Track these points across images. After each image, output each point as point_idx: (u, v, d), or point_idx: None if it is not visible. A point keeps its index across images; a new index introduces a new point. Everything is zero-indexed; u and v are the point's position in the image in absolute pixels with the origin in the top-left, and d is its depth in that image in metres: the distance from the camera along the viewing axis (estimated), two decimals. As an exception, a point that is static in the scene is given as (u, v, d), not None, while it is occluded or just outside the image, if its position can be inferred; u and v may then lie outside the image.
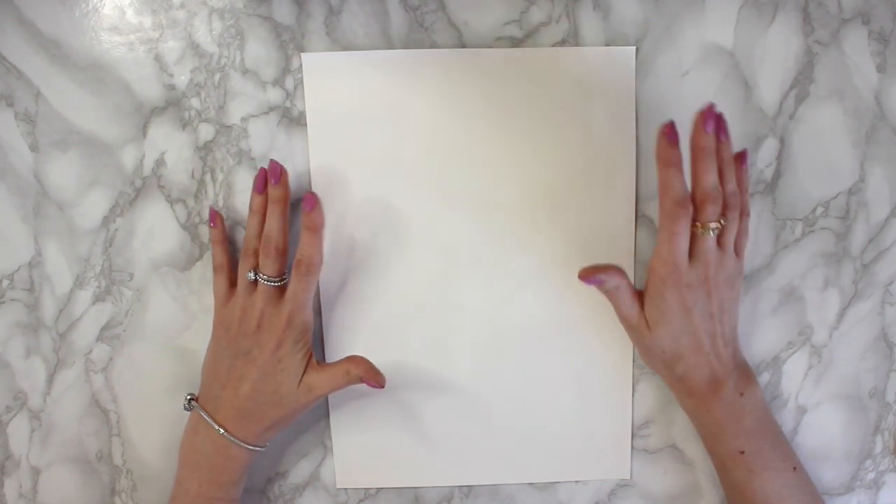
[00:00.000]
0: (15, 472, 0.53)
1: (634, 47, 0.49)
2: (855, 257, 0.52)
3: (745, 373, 0.48)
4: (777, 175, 0.51)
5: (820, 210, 0.51)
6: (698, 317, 0.46)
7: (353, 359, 0.48)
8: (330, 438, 0.52)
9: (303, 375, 0.47)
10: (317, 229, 0.47)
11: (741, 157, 0.48)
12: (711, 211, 0.44)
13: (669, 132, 0.44)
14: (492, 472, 0.53)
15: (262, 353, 0.47)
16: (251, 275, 0.47)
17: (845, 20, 0.49)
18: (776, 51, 0.50)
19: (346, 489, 0.53)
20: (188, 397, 0.49)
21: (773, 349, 0.52)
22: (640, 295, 0.47)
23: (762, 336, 0.52)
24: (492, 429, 0.52)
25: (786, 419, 0.53)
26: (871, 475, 0.54)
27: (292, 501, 0.53)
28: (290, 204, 0.48)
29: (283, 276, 0.47)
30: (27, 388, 0.52)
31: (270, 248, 0.47)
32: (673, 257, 0.45)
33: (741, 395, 0.47)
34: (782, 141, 0.50)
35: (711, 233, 0.45)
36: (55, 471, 0.53)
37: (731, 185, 0.46)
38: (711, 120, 0.44)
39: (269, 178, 0.48)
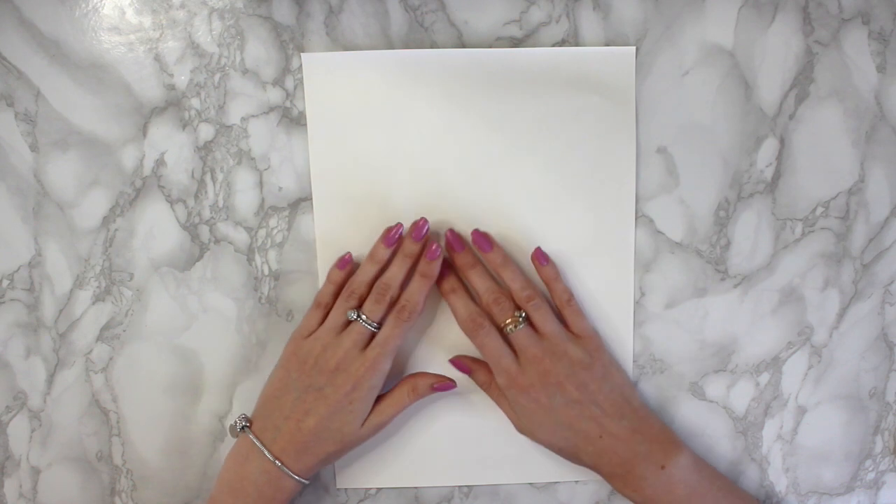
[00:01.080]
0: (15, 472, 0.53)
1: (634, 47, 0.49)
2: (855, 257, 0.52)
3: (661, 444, 0.47)
4: (777, 175, 0.51)
5: (820, 210, 0.51)
6: (563, 409, 0.47)
7: (414, 376, 0.50)
8: (330, 438, 0.52)
9: (369, 415, 0.48)
10: (431, 279, 0.48)
11: (538, 256, 0.49)
12: (498, 311, 0.48)
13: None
14: (492, 472, 0.53)
15: (336, 392, 0.46)
16: (353, 314, 0.47)
17: (845, 20, 0.49)
18: (776, 51, 0.50)
19: (345, 489, 0.53)
20: (243, 423, 0.48)
21: (773, 349, 0.52)
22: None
23: (762, 336, 0.52)
24: (492, 429, 0.52)
25: (786, 419, 0.53)
26: (871, 475, 0.54)
27: (292, 501, 0.53)
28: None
29: (381, 324, 0.48)
30: (27, 388, 0.52)
31: (387, 295, 0.47)
32: (498, 367, 0.48)
33: (662, 468, 0.46)
34: (782, 141, 0.51)
35: (515, 328, 0.47)
36: (55, 471, 0.53)
37: (516, 283, 0.48)
38: (455, 242, 0.48)
39: (414, 234, 0.48)
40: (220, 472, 0.48)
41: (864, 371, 0.53)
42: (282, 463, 0.46)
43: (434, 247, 0.48)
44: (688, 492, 0.46)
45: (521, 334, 0.47)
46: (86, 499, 0.53)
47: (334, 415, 0.46)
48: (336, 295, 0.49)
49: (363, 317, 0.47)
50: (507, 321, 0.47)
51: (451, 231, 0.49)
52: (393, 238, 0.48)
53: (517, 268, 0.49)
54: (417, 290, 0.48)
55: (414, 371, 0.51)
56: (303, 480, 0.47)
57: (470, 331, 0.48)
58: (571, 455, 0.48)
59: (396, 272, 0.48)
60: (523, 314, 0.48)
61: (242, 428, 0.48)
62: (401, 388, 0.49)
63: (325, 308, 0.49)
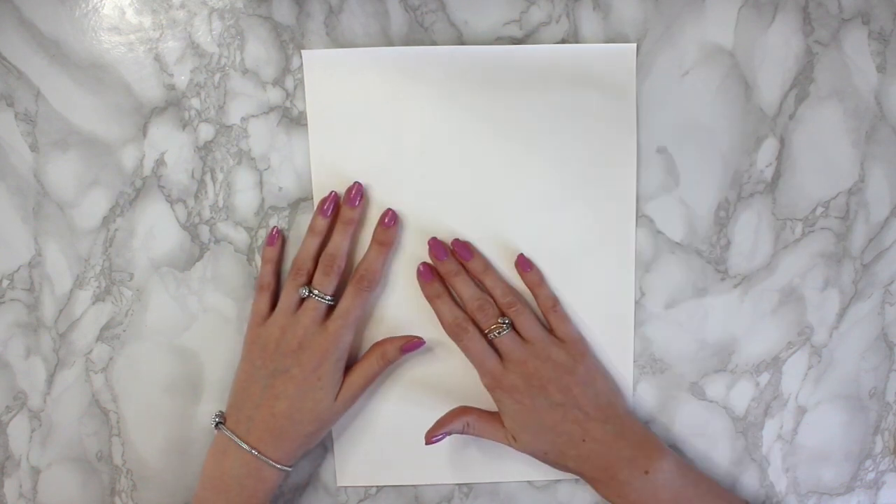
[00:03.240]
0: (15, 472, 0.53)
1: (635, 44, 0.49)
2: (855, 257, 0.52)
3: (645, 449, 0.47)
4: (777, 175, 0.51)
5: (820, 210, 0.51)
6: (546, 411, 0.47)
7: (381, 343, 0.50)
8: (330, 438, 0.52)
9: (339, 389, 0.48)
10: (388, 245, 0.49)
11: (521, 263, 0.49)
12: (482, 317, 0.48)
13: (422, 272, 0.49)
14: (492, 471, 0.53)
15: (303, 370, 0.47)
16: (304, 291, 0.47)
17: (845, 20, 0.49)
18: (776, 51, 0.50)
19: (345, 488, 0.53)
20: (216, 419, 0.48)
21: (773, 349, 0.52)
22: (496, 416, 0.49)
23: (762, 336, 0.52)
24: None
25: (786, 419, 0.53)
26: (871, 475, 0.54)
27: (292, 501, 0.53)
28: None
29: (335, 297, 0.48)
30: (27, 388, 0.52)
31: (333, 265, 0.47)
32: (483, 368, 0.48)
33: (646, 473, 0.46)
34: (782, 141, 0.51)
35: (499, 334, 0.48)
36: (55, 471, 0.53)
37: (497, 290, 0.49)
38: (438, 250, 0.49)
39: (349, 200, 0.48)
40: (202, 470, 0.48)
41: (864, 371, 0.53)
42: (259, 452, 0.46)
43: (389, 215, 0.48)
44: (672, 496, 0.46)
45: (505, 339, 0.48)
46: (86, 499, 0.53)
47: (305, 394, 0.47)
48: (276, 274, 0.49)
49: (315, 292, 0.47)
50: (492, 327, 0.48)
51: (434, 239, 0.49)
52: (328, 208, 0.48)
53: (498, 275, 0.49)
54: (374, 258, 0.48)
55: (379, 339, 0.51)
56: (284, 468, 0.47)
57: (454, 335, 0.48)
58: (556, 459, 0.48)
59: (339, 241, 0.48)
60: (507, 320, 0.48)
61: (217, 424, 0.48)
62: (369, 356, 0.49)
63: (269, 290, 0.49)
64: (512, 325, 0.48)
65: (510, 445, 0.49)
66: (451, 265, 0.49)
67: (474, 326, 0.48)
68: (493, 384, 0.48)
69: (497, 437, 0.49)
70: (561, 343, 0.49)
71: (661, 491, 0.46)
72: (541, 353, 0.48)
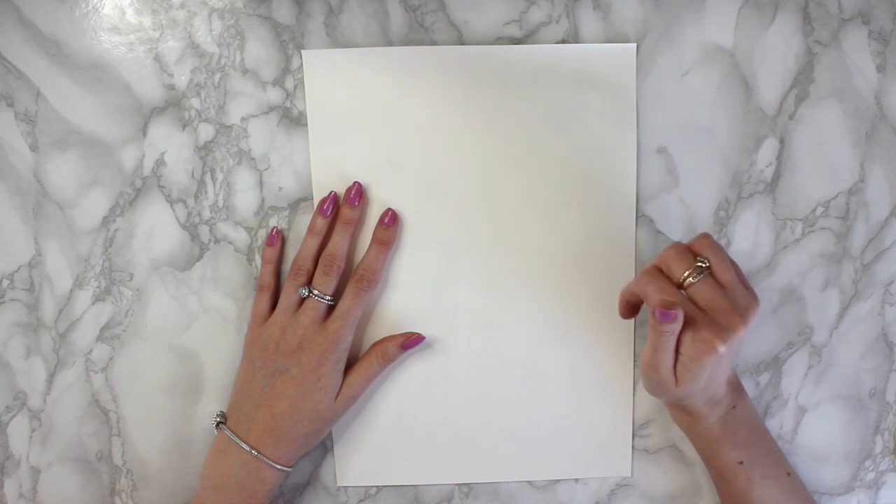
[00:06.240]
0: (15, 472, 0.53)
1: (635, 44, 0.49)
2: (855, 257, 0.52)
3: (735, 386, 0.48)
4: (777, 175, 0.51)
5: (820, 210, 0.51)
6: (722, 367, 0.44)
7: (381, 342, 0.50)
8: (330, 438, 0.52)
9: (340, 389, 0.48)
10: (388, 245, 0.48)
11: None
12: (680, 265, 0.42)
13: (661, 314, 0.41)
14: (492, 471, 0.53)
15: (303, 371, 0.47)
16: (304, 291, 0.47)
17: (845, 20, 0.49)
18: (776, 51, 0.50)
19: (345, 488, 0.53)
20: (217, 419, 0.48)
21: (773, 349, 0.52)
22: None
23: (762, 336, 0.52)
24: (492, 427, 0.52)
25: (786, 419, 0.53)
26: (871, 475, 0.54)
27: (292, 501, 0.53)
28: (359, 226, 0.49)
29: (335, 297, 0.48)
30: (27, 388, 0.52)
31: (333, 265, 0.47)
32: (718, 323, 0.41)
33: (734, 408, 0.47)
34: (782, 141, 0.51)
35: (696, 278, 0.42)
36: (55, 471, 0.53)
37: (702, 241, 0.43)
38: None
39: (348, 200, 0.48)
40: (202, 470, 0.48)
41: (864, 371, 0.53)
42: (259, 452, 0.46)
43: (389, 215, 0.48)
44: (748, 436, 0.47)
45: (701, 283, 0.42)
46: (86, 499, 0.53)
47: (305, 394, 0.47)
48: (276, 274, 0.49)
49: (315, 292, 0.47)
50: (685, 272, 0.42)
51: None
52: (328, 208, 0.48)
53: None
54: (375, 258, 0.48)
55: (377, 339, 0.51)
56: (284, 468, 0.47)
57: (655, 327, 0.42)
58: (678, 400, 0.45)
59: (339, 241, 0.48)
60: (706, 261, 0.42)
61: (217, 424, 0.48)
62: (369, 356, 0.49)
63: (269, 290, 0.49)
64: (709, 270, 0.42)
65: (659, 384, 0.44)
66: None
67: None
68: (709, 358, 0.41)
69: (662, 371, 0.43)
70: (745, 289, 0.43)
71: (741, 427, 0.47)
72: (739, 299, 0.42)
